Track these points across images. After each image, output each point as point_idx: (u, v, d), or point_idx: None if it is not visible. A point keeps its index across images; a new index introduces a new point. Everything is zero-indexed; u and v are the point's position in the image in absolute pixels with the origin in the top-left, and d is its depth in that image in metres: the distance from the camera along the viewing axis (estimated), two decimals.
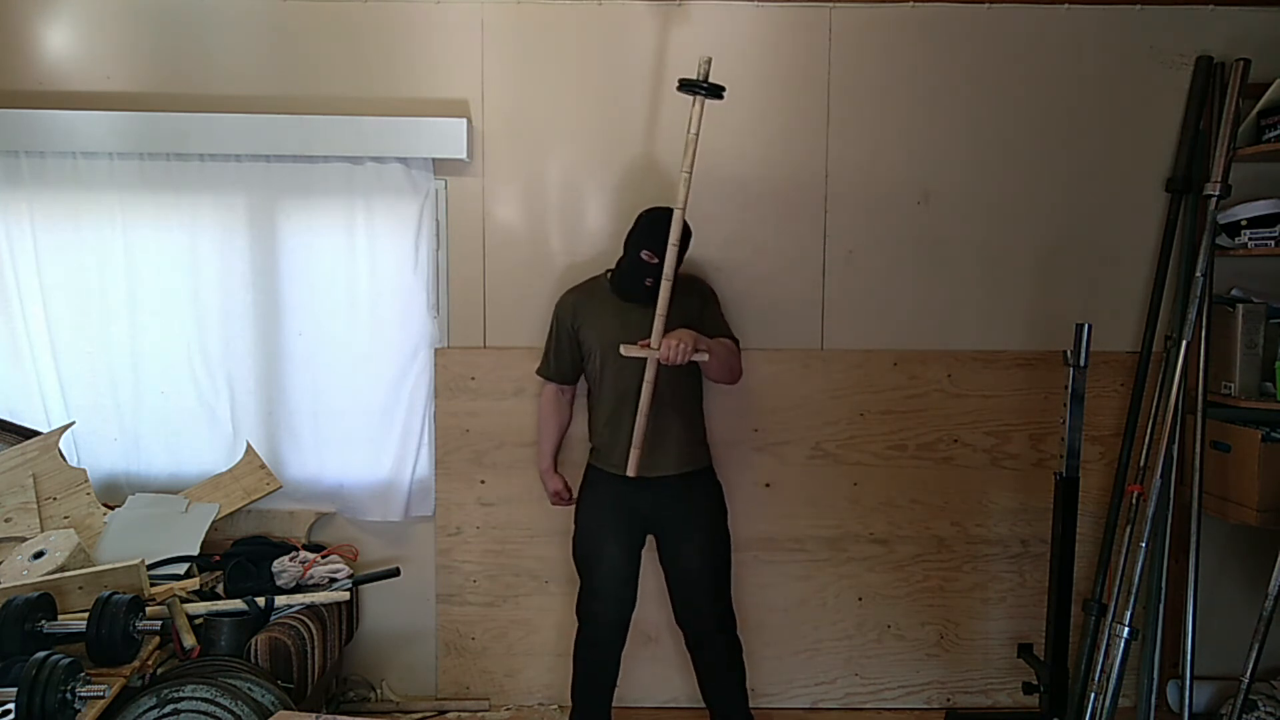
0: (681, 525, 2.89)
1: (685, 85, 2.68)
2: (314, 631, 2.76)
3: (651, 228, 2.79)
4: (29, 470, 2.99)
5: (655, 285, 2.67)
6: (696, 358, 2.64)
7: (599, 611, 2.92)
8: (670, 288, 2.63)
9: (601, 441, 2.93)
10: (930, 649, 3.33)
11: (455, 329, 3.26)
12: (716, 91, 2.67)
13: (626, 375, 2.84)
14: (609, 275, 2.97)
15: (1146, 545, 2.86)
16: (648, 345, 2.63)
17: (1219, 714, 3.16)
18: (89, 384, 3.20)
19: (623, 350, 2.65)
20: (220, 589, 2.85)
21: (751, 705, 2.99)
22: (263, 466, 3.18)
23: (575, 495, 3.05)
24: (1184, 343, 2.87)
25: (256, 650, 2.64)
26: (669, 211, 2.69)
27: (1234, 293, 3.19)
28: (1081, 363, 2.86)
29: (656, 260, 2.72)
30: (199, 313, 3.20)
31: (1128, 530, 3.03)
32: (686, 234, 2.76)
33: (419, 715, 3.24)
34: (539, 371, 3.06)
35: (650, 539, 2.97)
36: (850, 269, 3.25)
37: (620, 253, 2.94)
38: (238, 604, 2.71)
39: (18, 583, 2.53)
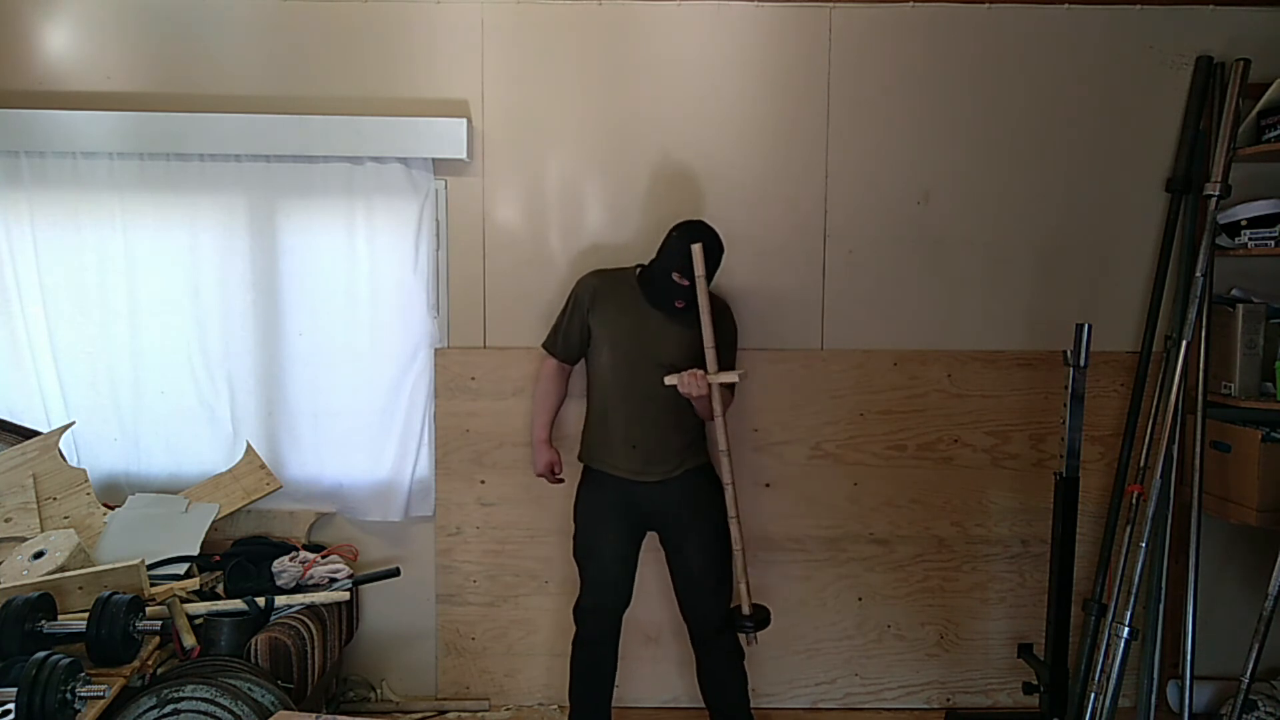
0: (683, 523, 2.89)
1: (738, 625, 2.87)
2: (314, 631, 2.76)
3: (683, 253, 2.76)
4: (29, 470, 2.99)
5: (686, 307, 2.77)
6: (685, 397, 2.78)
7: (595, 605, 2.91)
8: (710, 320, 2.75)
9: (594, 439, 2.93)
10: (930, 649, 3.33)
11: (455, 329, 3.26)
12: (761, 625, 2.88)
13: (626, 375, 2.85)
14: (638, 270, 2.95)
15: (1146, 545, 2.86)
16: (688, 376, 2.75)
17: (1219, 714, 3.16)
18: (89, 384, 3.20)
19: (666, 380, 2.76)
20: (220, 589, 2.86)
21: (751, 705, 2.98)
22: (263, 466, 3.18)
23: (566, 480, 3.04)
24: (1184, 343, 2.87)
25: (256, 650, 2.64)
26: (702, 229, 2.81)
27: (1234, 293, 3.19)
28: (1081, 363, 2.86)
29: (688, 284, 2.76)
30: (199, 313, 3.20)
31: (1128, 530, 3.04)
32: (719, 253, 2.85)
33: (419, 715, 3.24)
34: (544, 344, 3.04)
35: (651, 540, 2.97)
36: (850, 269, 3.25)
37: (641, 255, 2.97)
38: (238, 604, 2.71)
39: (18, 583, 2.53)
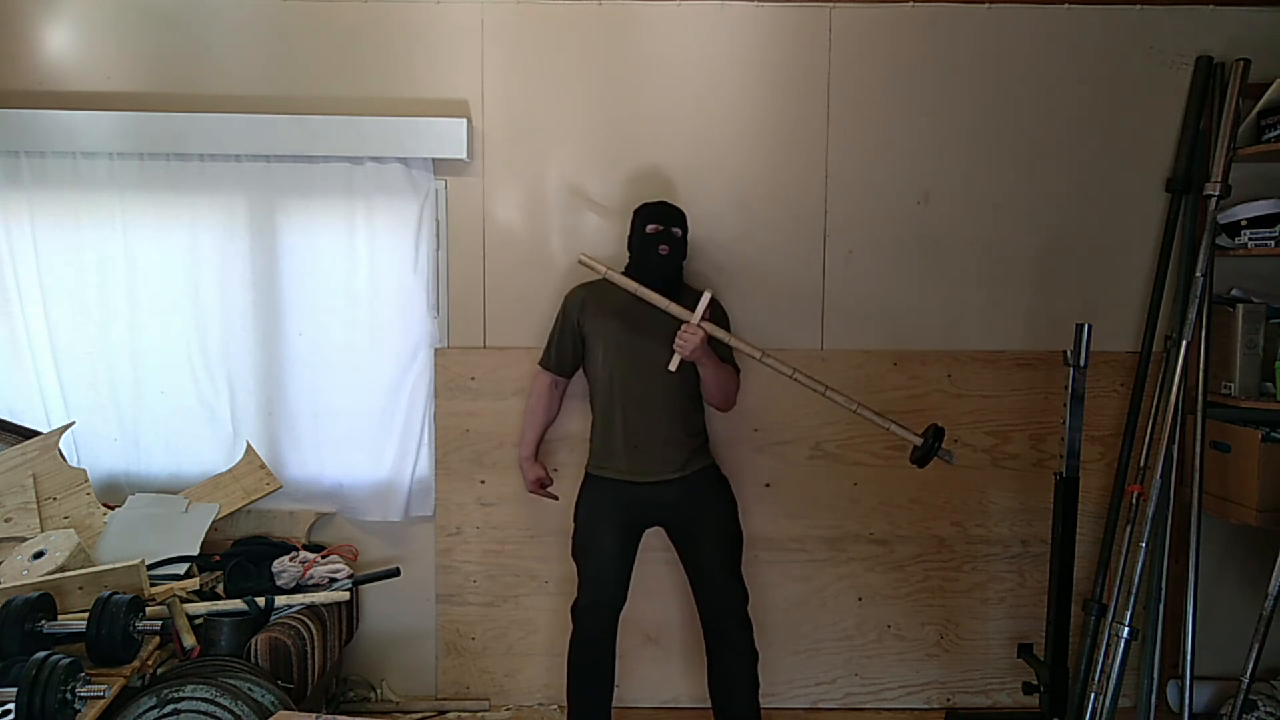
0: (693, 518, 2.90)
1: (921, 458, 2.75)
2: (314, 631, 2.76)
3: (650, 206, 2.93)
4: (29, 470, 2.99)
5: (670, 252, 2.83)
6: (692, 357, 2.71)
7: (592, 602, 2.90)
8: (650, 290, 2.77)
9: (598, 446, 2.94)
10: (930, 649, 3.33)
11: (455, 329, 3.26)
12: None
13: (622, 378, 2.86)
14: (622, 273, 2.95)
15: (1146, 545, 2.86)
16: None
17: (1219, 714, 3.16)
18: (89, 384, 3.20)
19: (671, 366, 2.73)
20: (220, 589, 2.86)
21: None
22: (263, 466, 3.18)
23: (560, 492, 3.04)
24: (1184, 343, 2.87)
25: (256, 650, 2.64)
26: (658, 203, 2.93)
27: (1234, 293, 3.19)
28: (1081, 363, 2.86)
29: (662, 229, 2.84)
30: (199, 313, 3.20)
31: (1128, 530, 3.04)
32: (682, 217, 2.93)
33: (419, 715, 3.24)
34: (540, 361, 3.07)
35: (651, 540, 2.97)
36: (850, 269, 3.25)
37: (625, 259, 2.97)
38: (238, 604, 2.71)
39: (18, 583, 2.53)
